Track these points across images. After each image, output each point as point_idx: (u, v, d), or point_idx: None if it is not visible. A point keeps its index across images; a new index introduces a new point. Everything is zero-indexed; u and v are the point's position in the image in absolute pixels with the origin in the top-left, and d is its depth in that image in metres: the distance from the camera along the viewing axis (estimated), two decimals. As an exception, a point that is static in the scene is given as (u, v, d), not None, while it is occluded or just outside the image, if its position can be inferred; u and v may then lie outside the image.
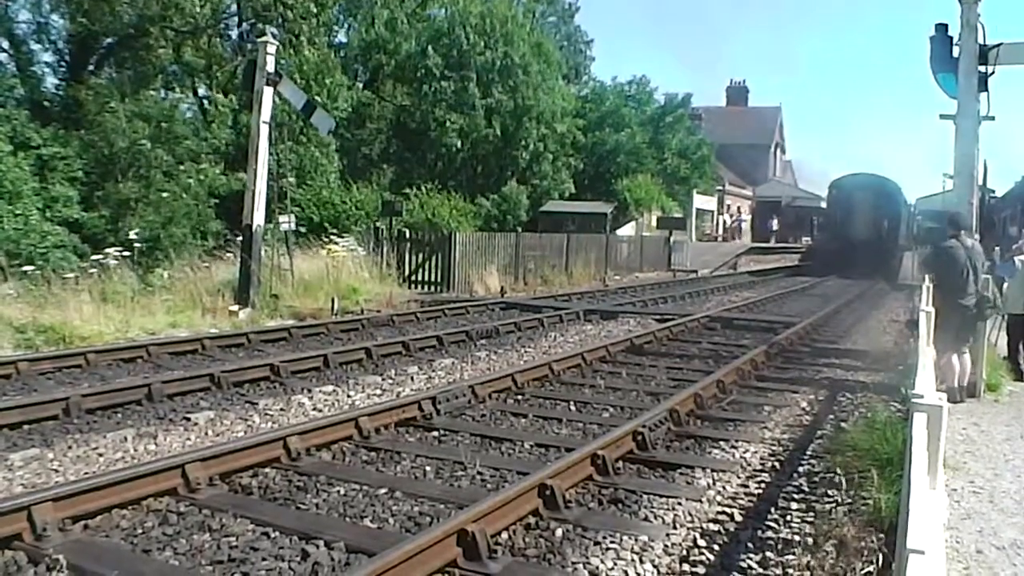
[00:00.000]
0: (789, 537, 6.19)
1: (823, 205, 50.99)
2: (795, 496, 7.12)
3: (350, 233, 27.71)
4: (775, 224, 68.86)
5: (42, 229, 25.29)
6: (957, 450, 9.18)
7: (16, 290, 16.42)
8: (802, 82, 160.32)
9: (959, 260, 11.88)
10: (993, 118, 12.93)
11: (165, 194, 29.40)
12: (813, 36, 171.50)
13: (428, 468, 7.70)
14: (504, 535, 6.00)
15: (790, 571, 5.64)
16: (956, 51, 12.92)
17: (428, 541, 5.36)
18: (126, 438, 8.51)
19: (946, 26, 13.06)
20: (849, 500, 6.76)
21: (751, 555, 5.91)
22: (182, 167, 30.81)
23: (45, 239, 25.04)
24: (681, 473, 7.67)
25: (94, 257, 18.61)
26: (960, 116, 12.85)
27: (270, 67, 19.14)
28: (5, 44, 34.03)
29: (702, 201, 60.44)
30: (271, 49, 19.27)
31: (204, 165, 31.59)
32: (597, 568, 5.63)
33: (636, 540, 6.06)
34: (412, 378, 12.13)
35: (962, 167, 13.09)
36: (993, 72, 12.77)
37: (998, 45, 12.71)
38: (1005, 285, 14.68)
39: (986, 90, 12.85)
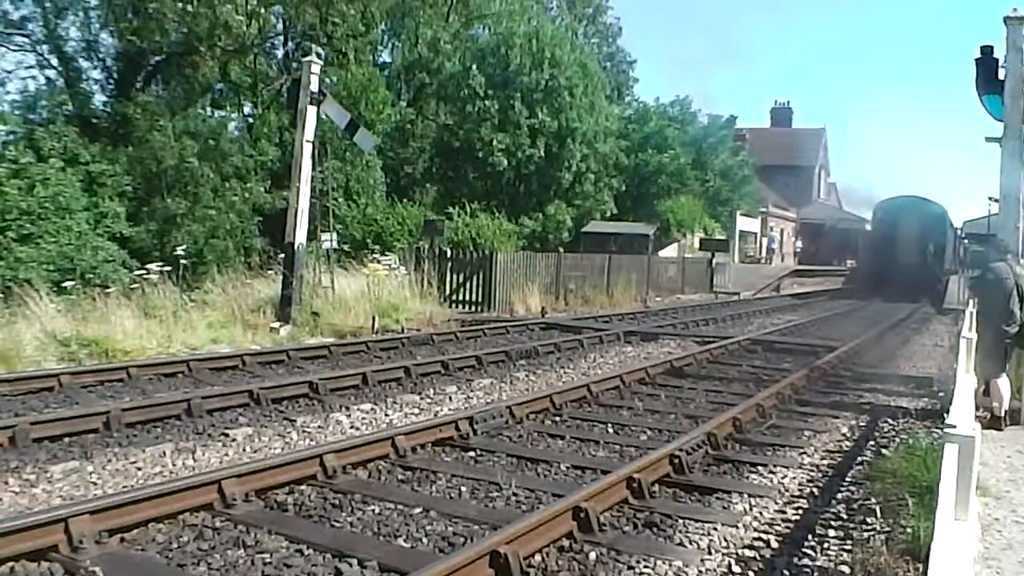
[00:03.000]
0: (825, 565, 6.12)
1: (868, 228, 50.57)
2: (833, 523, 7.03)
3: (393, 251, 27.82)
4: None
5: (94, 244, 25.75)
6: (1000, 478, 9.02)
7: (60, 304, 16.60)
8: (848, 104, 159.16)
9: (1007, 285, 11.73)
10: (1039, 140, 12.80)
11: (211, 211, 29.75)
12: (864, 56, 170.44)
13: (463, 488, 7.69)
14: (537, 557, 5.97)
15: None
16: (1002, 73, 12.81)
17: (460, 562, 5.34)
18: (165, 452, 8.59)
19: (992, 48, 12.97)
20: (887, 528, 6.67)
21: (786, 582, 5.85)
22: (227, 185, 31.15)
23: (97, 254, 25.50)
24: (718, 498, 7.61)
25: (137, 272, 18.82)
26: (1006, 138, 12.75)
27: (314, 86, 19.28)
28: (55, 61, 34.56)
29: (745, 223, 60.15)
30: (315, 69, 19.42)
31: (250, 184, 31.93)
32: (630, 592, 5.61)
33: (670, 565, 6.01)
34: (450, 398, 12.14)
35: (1007, 190, 12.96)
36: (1040, 95, 12.66)
37: (1045, 67, 12.60)
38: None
39: (1033, 113, 12.73)
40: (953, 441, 3.22)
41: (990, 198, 29.66)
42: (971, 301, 14.51)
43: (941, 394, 12.88)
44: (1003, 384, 11.52)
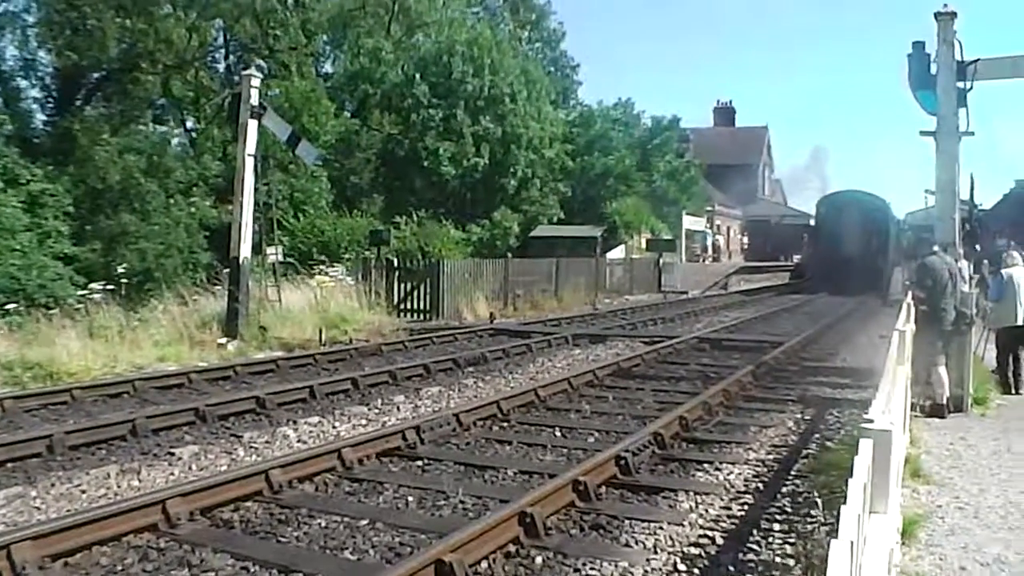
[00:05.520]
0: (770, 559, 6.19)
1: (812, 223, 51.11)
2: (777, 517, 7.11)
3: (340, 262, 27.73)
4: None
5: (40, 263, 25.44)
6: (943, 465, 9.18)
7: (3, 327, 16.40)
8: (789, 97, 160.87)
9: (942, 275, 11.97)
10: (973, 133, 13.03)
11: (157, 227, 29.50)
12: (800, 52, 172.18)
13: (410, 498, 7.68)
14: (483, 564, 5.99)
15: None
16: (934, 68, 13.01)
17: (405, 572, 5.36)
18: (109, 474, 8.48)
19: (923, 43, 13.18)
20: (831, 520, 6.75)
21: (731, 578, 5.90)
22: (172, 200, 30.90)
23: (45, 271, 25.19)
24: (664, 497, 7.66)
25: (80, 293, 18.63)
26: (940, 133, 12.94)
27: (254, 100, 19.21)
28: (-9, 80, 34.18)
29: (691, 222, 60.52)
30: (255, 82, 19.35)
31: (195, 198, 31.71)
32: (575, 595, 5.63)
33: (616, 566, 6.05)
34: (398, 407, 12.09)
35: (943, 183, 13.15)
36: (971, 88, 12.87)
37: (975, 61, 12.82)
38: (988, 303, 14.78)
39: (965, 106, 12.93)
40: (868, 436, 3.26)
41: (927, 191, 30.11)
42: (907, 293, 14.74)
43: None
44: (942, 372, 11.75)
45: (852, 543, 2.36)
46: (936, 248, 12.37)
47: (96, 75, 35.56)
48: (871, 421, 3.50)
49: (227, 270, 20.41)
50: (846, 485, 6.27)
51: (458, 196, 42.65)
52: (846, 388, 13.48)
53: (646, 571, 6.02)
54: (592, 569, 6.01)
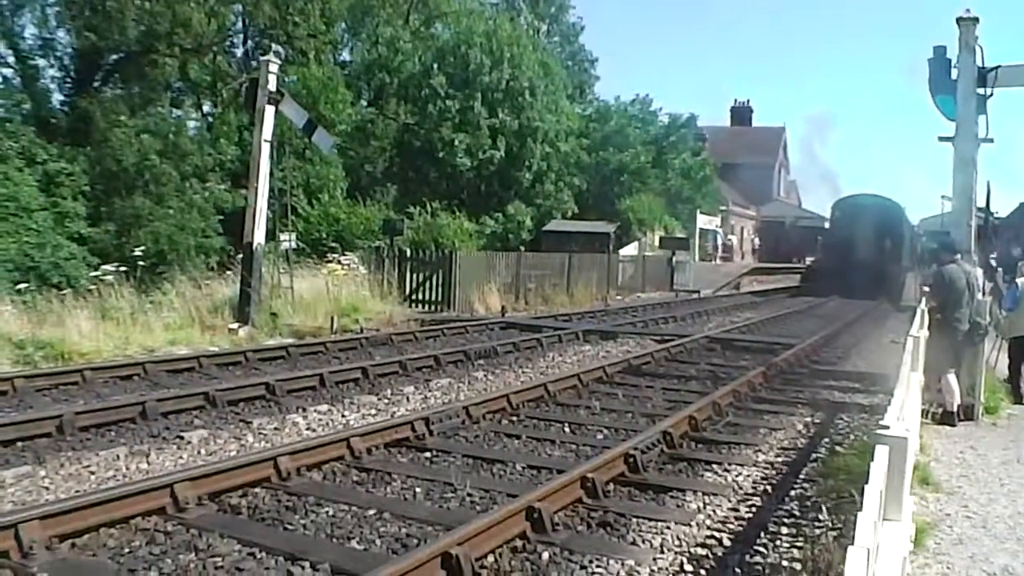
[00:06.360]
0: (777, 562, 6.17)
1: (826, 225, 50.91)
2: (785, 520, 7.08)
3: (354, 250, 27.75)
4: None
5: (55, 242, 25.54)
6: (952, 474, 9.14)
7: (16, 306, 16.44)
8: (806, 100, 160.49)
9: (959, 284, 11.92)
10: (992, 140, 12.93)
11: (171, 209, 29.58)
12: (819, 54, 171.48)
13: (418, 489, 7.68)
14: (490, 558, 5.98)
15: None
16: (955, 73, 12.93)
17: (412, 563, 5.35)
18: (118, 456, 8.51)
19: (944, 48, 13.08)
20: (839, 524, 6.73)
21: (738, 580, 5.89)
22: (187, 184, 30.97)
23: (58, 251, 25.28)
24: (672, 496, 7.64)
25: (93, 274, 18.68)
26: (959, 138, 12.85)
27: (272, 86, 19.20)
28: (11, 59, 34.25)
29: (705, 221, 60.37)
30: (273, 68, 19.33)
31: (210, 182, 31.76)
32: (582, 592, 5.62)
33: (623, 564, 6.03)
34: (408, 398, 12.11)
35: (960, 189, 13.08)
36: (992, 94, 12.77)
37: (997, 67, 12.72)
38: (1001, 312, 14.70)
39: (985, 112, 12.85)
40: (884, 442, 3.25)
41: (943, 196, 29.95)
42: (923, 299, 14.67)
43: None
44: (953, 380, 11.70)
45: (868, 550, 2.34)
46: (957, 256, 12.30)
47: (114, 56, 35.64)
48: (887, 427, 3.48)
49: (240, 255, 20.42)
50: (855, 490, 6.26)
51: (472, 188, 42.66)
52: (856, 392, 13.45)
53: (652, 570, 6.01)
54: (598, 566, 5.99)
